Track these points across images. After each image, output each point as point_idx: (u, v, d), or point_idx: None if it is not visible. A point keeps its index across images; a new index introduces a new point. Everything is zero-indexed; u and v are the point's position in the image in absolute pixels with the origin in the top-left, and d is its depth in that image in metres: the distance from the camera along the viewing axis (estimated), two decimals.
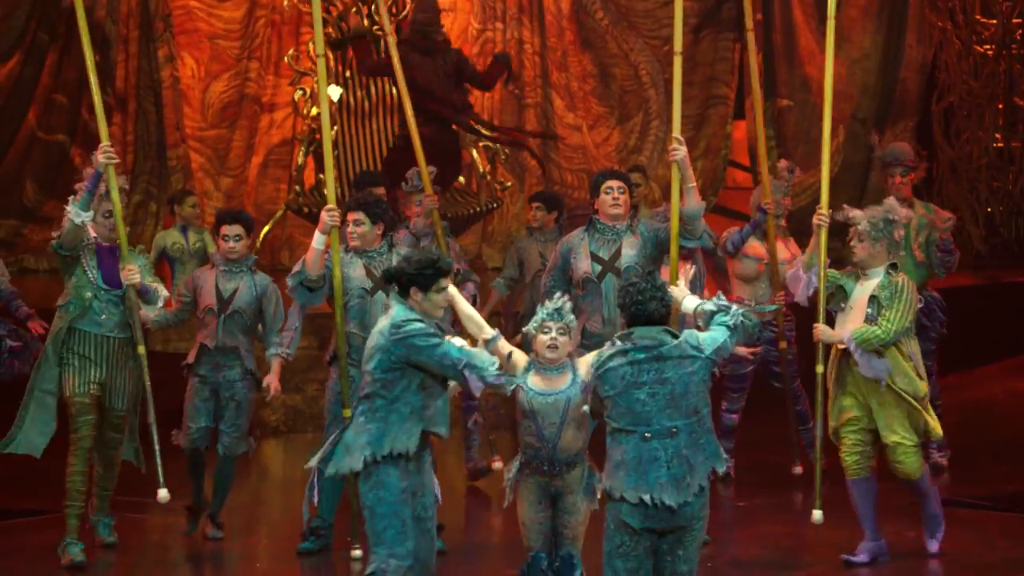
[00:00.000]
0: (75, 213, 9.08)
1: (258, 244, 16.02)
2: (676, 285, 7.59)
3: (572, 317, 7.41)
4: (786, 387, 10.92)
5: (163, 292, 9.44)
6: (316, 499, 8.11)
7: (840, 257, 9.91)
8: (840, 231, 9.35)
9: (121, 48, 17.05)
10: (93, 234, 9.25)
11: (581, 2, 17.69)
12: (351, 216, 9.15)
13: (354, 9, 15.78)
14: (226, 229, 9.72)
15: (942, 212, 11.59)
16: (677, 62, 9.18)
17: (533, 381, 7.41)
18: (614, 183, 9.25)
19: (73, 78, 17.01)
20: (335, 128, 15.65)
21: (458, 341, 7.08)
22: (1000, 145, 17.66)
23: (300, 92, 15.84)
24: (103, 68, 16.93)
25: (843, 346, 8.86)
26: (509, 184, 16.32)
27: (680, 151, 8.99)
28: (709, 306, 7.10)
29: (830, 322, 9.06)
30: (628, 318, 6.90)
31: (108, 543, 9.44)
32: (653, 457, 6.75)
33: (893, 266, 8.92)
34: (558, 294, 7.51)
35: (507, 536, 9.60)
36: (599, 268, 9.17)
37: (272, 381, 9.52)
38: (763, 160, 10.25)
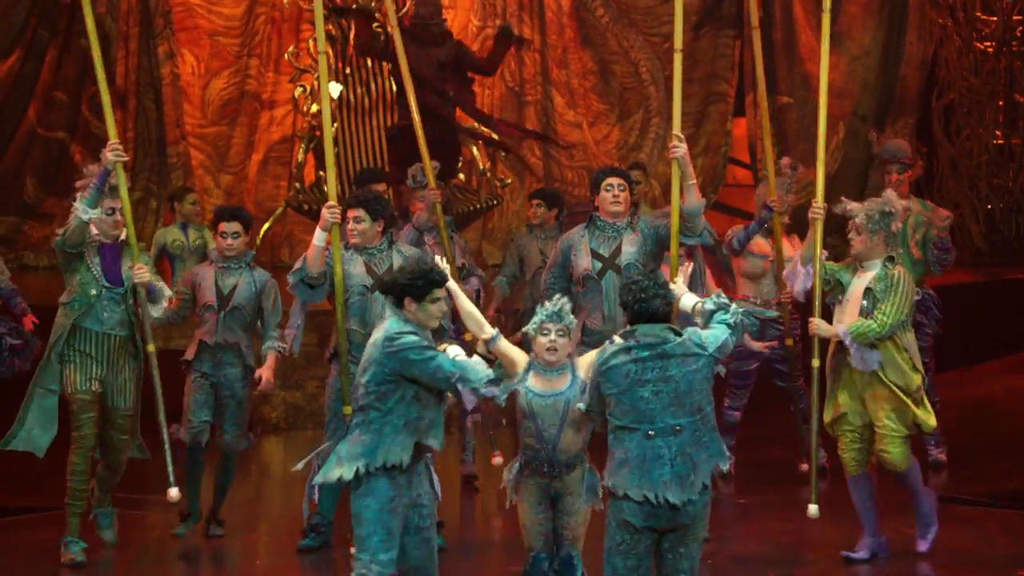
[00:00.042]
0: (82, 210, 9.06)
1: (258, 241, 16.02)
2: (675, 282, 7.58)
3: (571, 318, 7.40)
4: (792, 385, 10.92)
5: (167, 291, 9.44)
6: (316, 496, 8.09)
7: (841, 253, 9.91)
8: (841, 227, 9.35)
9: (121, 45, 17.05)
10: (95, 231, 9.25)
11: None
12: (351, 213, 9.15)
13: None
14: (224, 226, 9.72)
15: (940, 210, 11.58)
16: (677, 59, 9.17)
17: (533, 382, 7.39)
18: (614, 180, 9.25)
19: (73, 75, 17.02)
20: (335, 125, 15.64)
21: (453, 350, 7.04)
22: (1000, 142, 17.66)
23: (300, 89, 15.84)
24: (103, 65, 16.95)
25: (839, 340, 8.86)
26: (509, 181, 16.32)
27: (680, 148, 8.99)
28: (708, 305, 7.09)
29: (829, 315, 9.06)
30: (631, 316, 6.88)
31: (108, 540, 9.42)
32: (657, 455, 6.74)
33: (890, 259, 8.92)
34: (557, 296, 7.48)
35: (506, 533, 9.60)
36: (599, 265, 9.17)
37: (265, 373, 9.51)
38: (769, 158, 10.23)
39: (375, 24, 14.81)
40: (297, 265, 9.10)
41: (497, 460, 10.03)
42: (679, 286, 7.46)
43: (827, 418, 9.07)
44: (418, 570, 7.02)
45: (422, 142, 10.08)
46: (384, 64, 15.69)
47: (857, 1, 17.42)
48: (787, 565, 9.04)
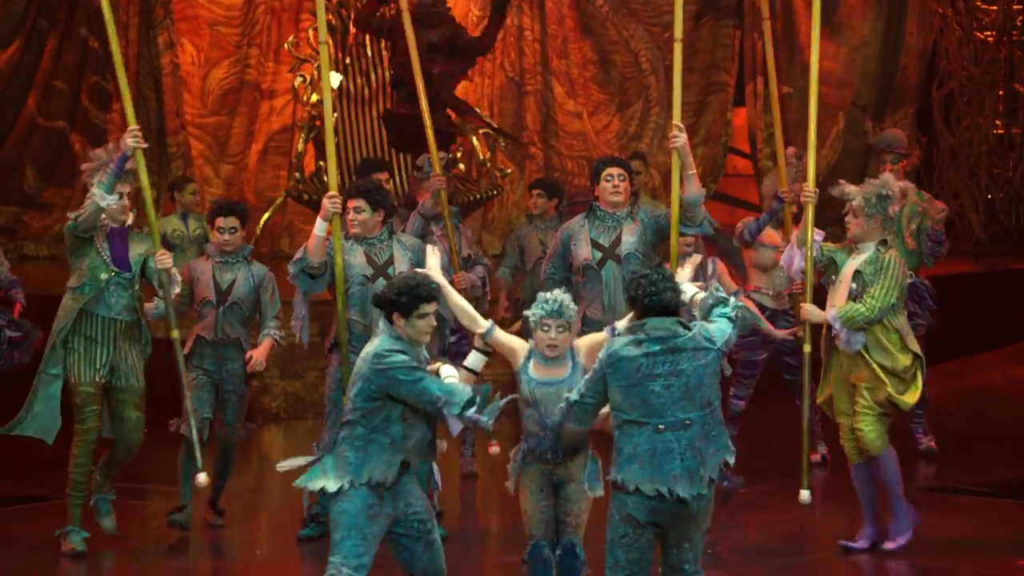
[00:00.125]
0: (100, 196, 9.01)
1: (258, 231, 16.03)
2: (679, 272, 7.58)
3: (572, 312, 7.37)
4: (799, 378, 10.92)
5: (179, 277, 9.40)
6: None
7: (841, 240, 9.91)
8: (841, 219, 9.35)
9: (121, 35, 16.97)
10: (104, 216, 9.21)
11: None
12: (351, 203, 9.14)
13: None
14: (221, 221, 9.68)
15: (936, 203, 11.59)
16: (677, 49, 9.17)
17: (534, 371, 7.39)
18: (614, 170, 9.25)
19: (73, 64, 17.02)
20: (335, 115, 15.64)
21: (446, 371, 7.01)
22: (1000, 132, 17.67)
23: (300, 79, 15.83)
24: (102, 55, 16.95)
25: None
26: (509, 171, 16.31)
27: (680, 138, 8.99)
28: (709, 300, 7.07)
29: (822, 300, 9.08)
30: (641, 309, 6.81)
31: (107, 529, 9.39)
32: (667, 449, 6.72)
33: (883, 242, 8.91)
34: (557, 291, 7.42)
35: (507, 522, 9.60)
36: (599, 255, 9.17)
37: (257, 354, 9.50)
38: (779, 148, 10.20)
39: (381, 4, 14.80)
40: (298, 255, 9.10)
41: (494, 449, 10.03)
42: (681, 276, 7.45)
43: (820, 397, 9.10)
44: (426, 571, 7.02)
45: (429, 131, 10.08)
46: (384, 53, 15.69)
47: None
48: (788, 555, 9.05)
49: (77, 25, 16.97)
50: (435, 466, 8.09)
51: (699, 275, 9.58)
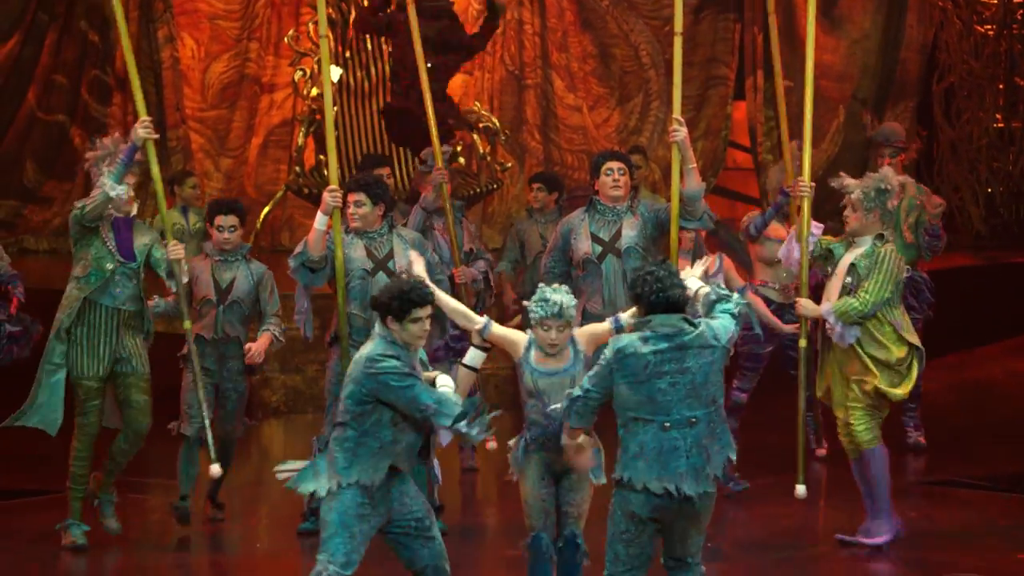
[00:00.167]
0: (110, 186, 8.99)
1: (258, 225, 16.03)
2: (685, 269, 7.56)
3: (572, 311, 7.33)
4: (809, 371, 10.91)
5: (186, 266, 9.38)
6: None
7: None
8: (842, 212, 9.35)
9: None
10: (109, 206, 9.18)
11: None
12: (352, 197, 9.14)
13: None
14: (220, 220, 9.66)
15: (933, 197, 11.59)
16: (677, 43, 9.17)
17: (536, 360, 7.39)
18: (614, 164, 9.25)
19: (72, 58, 17.00)
20: (335, 109, 15.63)
21: (441, 380, 7.00)
22: (1001, 125, 17.66)
23: (300, 73, 15.82)
24: (102, 49, 16.95)
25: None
26: (509, 165, 16.31)
27: (680, 132, 8.99)
28: (712, 295, 7.06)
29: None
30: (647, 306, 6.77)
31: (112, 530, 9.38)
32: (673, 447, 6.71)
33: (880, 236, 8.90)
34: (556, 293, 7.35)
35: (507, 516, 9.61)
36: (599, 249, 9.17)
37: (255, 346, 9.49)
38: (785, 143, 10.17)
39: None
40: (298, 249, 9.10)
41: (491, 445, 10.02)
42: (690, 273, 7.39)
43: (820, 391, 9.11)
44: (427, 568, 7.02)
45: (432, 124, 10.08)
46: (385, 48, 15.69)
47: None
48: (788, 549, 9.06)
49: (77, 19, 16.95)
50: (436, 460, 8.10)
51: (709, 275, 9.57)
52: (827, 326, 8.90)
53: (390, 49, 15.21)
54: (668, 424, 6.71)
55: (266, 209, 16.29)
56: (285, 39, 16.44)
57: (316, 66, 15.13)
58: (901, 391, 8.88)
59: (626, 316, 7.36)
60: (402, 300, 6.87)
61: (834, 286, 8.93)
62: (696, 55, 17.27)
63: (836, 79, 17.20)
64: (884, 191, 8.89)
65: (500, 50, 17.41)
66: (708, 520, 6.91)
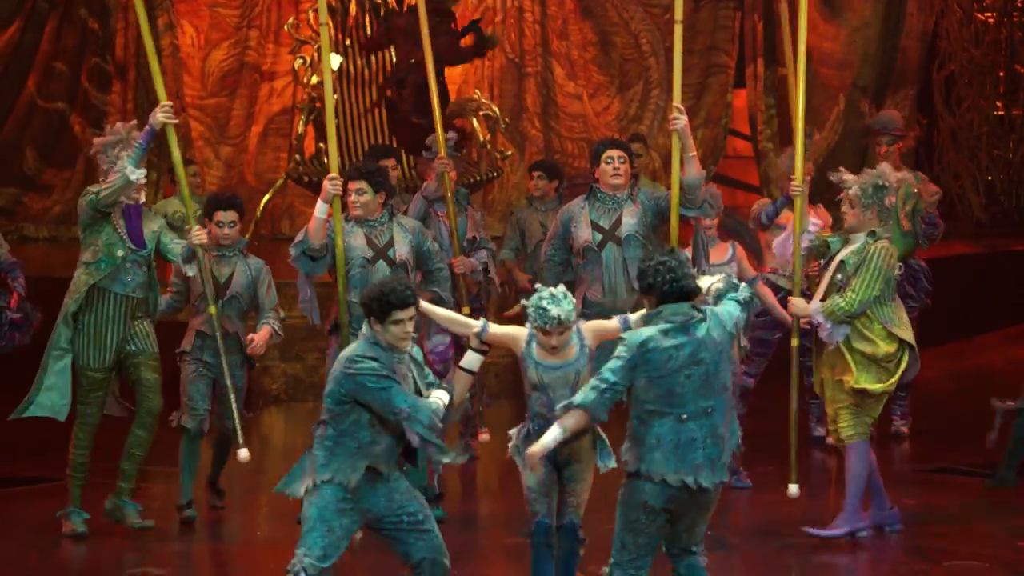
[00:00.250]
0: (129, 170, 8.94)
1: (258, 214, 16.03)
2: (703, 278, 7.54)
3: (572, 316, 7.21)
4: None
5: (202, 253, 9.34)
6: None
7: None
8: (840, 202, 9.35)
9: (120, 16, 17.03)
10: None
11: None
12: (353, 185, 9.14)
13: None
14: (220, 215, 9.61)
15: (930, 185, 11.59)
16: (678, 31, 9.16)
17: (540, 355, 7.33)
18: (615, 152, 9.25)
19: (73, 45, 16.99)
20: (335, 97, 15.63)
21: (438, 394, 6.95)
22: (1001, 113, 17.66)
23: (300, 61, 15.81)
24: (102, 36, 16.94)
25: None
26: (509, 153, 16.31)
27: (680, 120, 8.99)
28: (723, 287, 7.04)
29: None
30: (659, 296, 6.74)
31: (147, 527, 9.34)
32: (691, 439, 6.70)
33: (872, 233, 8.86)
34: (557, 307, 7.20)
35: (507, 504, 9.62)
36: (600, 237, 9.17)
37: (257, 338, 9.47)
38: (799, 131, 10.12)
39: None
40: (299, 237, 9.10)
41: (484, 437, 10.02)
42: (707, 282, 7.35)
43: (817, 389, 9.12)
44: (424, 560, 7.00)
45: (437, 112, 10.07)
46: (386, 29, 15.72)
47: None
48: (789, 536, 9.06)
49: (77, 6, 16.94)
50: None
51: (697, 256, 9.56)
52: (817, 325, 8.88)
53: (396, 60, 15.27)
54: (685, 416, 6.70)
55: (266, 197, 16.28)
56: (285, 27, 16.42)
57: (316, 54, 15.12)
58: (882, 386, 8.84)
59: (635, 317, 7.30)
60: (381, 302, 6.84)
61: (823, 281, 8.93)
62: (696, 43, 17.26)
63: (836, 67, 17.19)
64: (882, 187, 8.86)
65: (500, 37, 17.40)
66: (713, 508, 6.92)
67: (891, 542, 8.98)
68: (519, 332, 7.40)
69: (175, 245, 9.25)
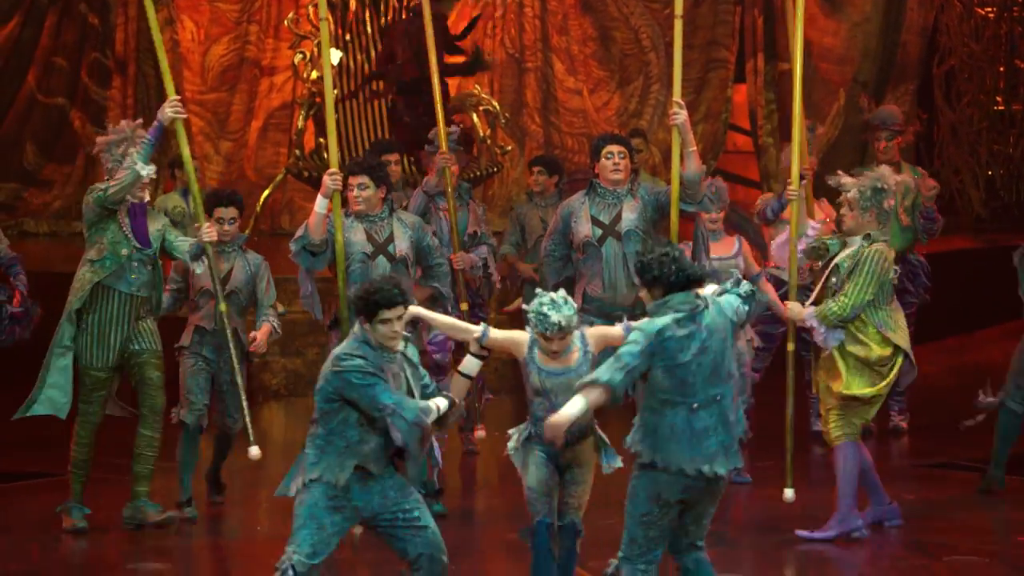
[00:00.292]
0: (140, 165, 8.92)
1: (258, 209, 16.03)
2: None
3: (574, 321, 7.17)
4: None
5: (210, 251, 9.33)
6: None
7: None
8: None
9: (120, 11, 17.03)
10: None
11: None
12: (355, 180, 9.12)
13: None
14: (221, 212, 9.59)
15: (928, 180, 11.58)
16: (678, 26, 9.16)
17: (543, 360, 7.28)
18: (615, 148, 9.25)
19: (72, 40, 16.99)
20: (335, 92, 15.61)
21: (436, 401, 6.94)
22: (1001, 108, 17.65)
23: (300, 56, 15.80)
24: (102, 32, 16.93)
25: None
26: (509, 148, 16.31)
27: (680, 115, 8.99)
28: (725, 286, 7.05)
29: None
30: (666, 286, 6.73)
31: (171, 518, 9.34)
32: (704, 427, 6.72)
33: (867, 236, 8.83)
34: (558, 314, 7.15)
35: (507, 499, 9.62)
36: (600, 232, 9.17)
37: (259, 336, 9.48)
38: (799, 125, 10.12)
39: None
40: (299, 233, 9.09)
41: (480, 434, 10.01)
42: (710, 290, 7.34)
43: (815, 388, 9.14)
44: (421, 556, 7.00)
45: (439, 106, 10.07)
46: (385, 31, 15.72)
47: None
48: (789, 532, 9.06)
49: (77, 2, 16.94)
50: (436, 444, 8.08)
51: (697, 251, 9.56)
52: (811, 330, 8.88)
53: (400, 62, 15.30)
54: (696, 405, 6.72)
55: (266, 192, 16.28)
56: (285, 22, 16.41)
57: (316, 49, 15.11)
58: (872, 390, 8.81)
59: (638, 325, 7.28)
60: (368, 301, 6.85)
61: (818, 284, 8.93)
62: (696, 38, 17.25)
63: (837, 62, 17.18)
64: (881, 191, 8.83)
65: (500, 33, 17.40)
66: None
67: (891, 537, 8.98)
68: (521, 337, 7.34)
69: (181, 243, 9.24)
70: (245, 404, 9.20)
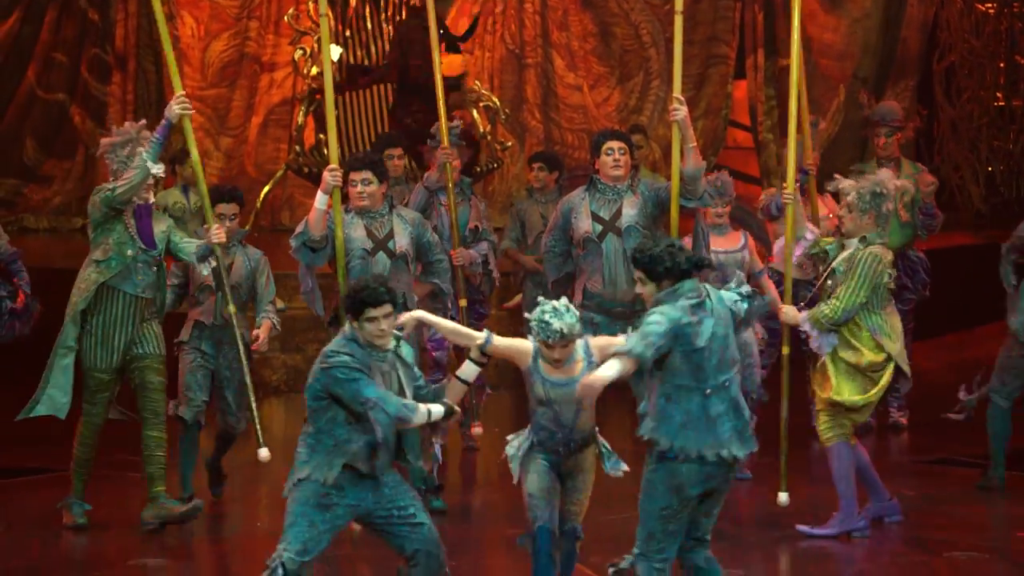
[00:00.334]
0: (150, 164, 8.89)
1: (258, 205, 16.03)
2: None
3: (576, 329, 7.11)
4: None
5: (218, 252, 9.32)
6: None
7: None
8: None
9: (120, 7, 17.03)
10: None
11: None
12: (358, 175, 9.10)
13: None
14: (222, 208, 9.55)
15: (926, 176, 11.57)
16: (678, 21, 9.15)
17: (547, 371, 7.21)
18: (615, 144, 9.24)
19: (72, 36, 17.00)
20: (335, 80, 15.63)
21: (433, 407, 6.94)
22: (1001, 104, 17.66)
23: (300, 51, 15.81)
24: (102, 27, 16.93)
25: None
26: (509, 144, 16.31)
27: (681, 111, 8.98)
28: (729, 286, 7.07)
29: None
30: (679, 274, 6.76)
31: (193, 508, 9.32)
32: (717, 413, 6.76)
33: (863, 239, 8.81)
34: (560, 321, 7.07)
35: (508, 496, 9.62)
36: (600, 228, 9.16)
37: (260, 335, 9.48)
38: (805, 120, 10.11)
39: None
40: (299, 229, 9.08)
41: (477, 431, 10.00)
42: None
43: (811, 392, 9.14)
44: (418, 552, 7.00)
45: (441, 102, 10.06)
46: (385, 25, 15.71)
47: None
48: (789, 528, 9.06)
49: None
50: (436, 441, 8.08)
51: (697, 246, 9.56)
52: (806, 336, 8.88)
53: (401, 64, 15.34)
54: (709, 391, 6.75)
55: (266, 188, 16.28)
56: (285, 18, 16.43)
57: (316, 45, 15.12)
58: (862, 398, 8.79)
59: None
60: (355, 300, 6.89)
61: (818, 289, 8.93)
62: (696, 34, 17.25)
63: (837, 58, 17.18)
64: (880, 195, 8.80)
65: (500, 29, 17.41)
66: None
67: (891, 533, 8.99)
68: (525, 347, 7.25)
69: (186, 244, 9.24)
70: (254, 406, 9.16)
